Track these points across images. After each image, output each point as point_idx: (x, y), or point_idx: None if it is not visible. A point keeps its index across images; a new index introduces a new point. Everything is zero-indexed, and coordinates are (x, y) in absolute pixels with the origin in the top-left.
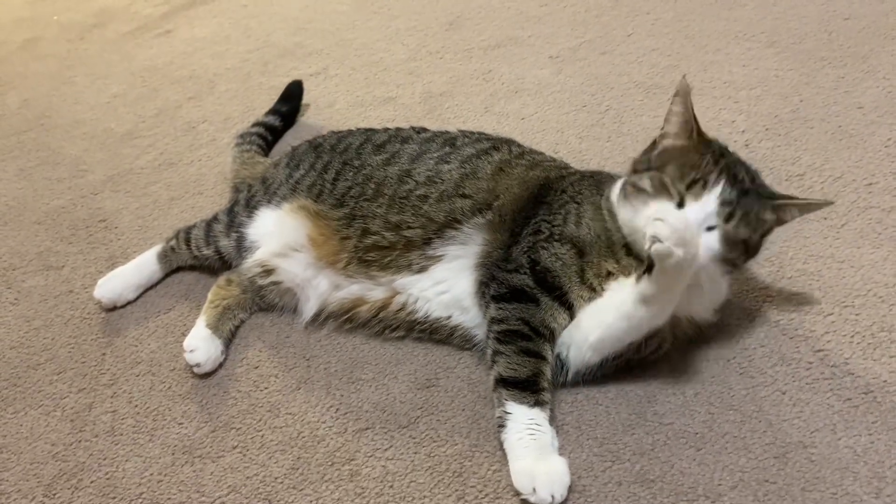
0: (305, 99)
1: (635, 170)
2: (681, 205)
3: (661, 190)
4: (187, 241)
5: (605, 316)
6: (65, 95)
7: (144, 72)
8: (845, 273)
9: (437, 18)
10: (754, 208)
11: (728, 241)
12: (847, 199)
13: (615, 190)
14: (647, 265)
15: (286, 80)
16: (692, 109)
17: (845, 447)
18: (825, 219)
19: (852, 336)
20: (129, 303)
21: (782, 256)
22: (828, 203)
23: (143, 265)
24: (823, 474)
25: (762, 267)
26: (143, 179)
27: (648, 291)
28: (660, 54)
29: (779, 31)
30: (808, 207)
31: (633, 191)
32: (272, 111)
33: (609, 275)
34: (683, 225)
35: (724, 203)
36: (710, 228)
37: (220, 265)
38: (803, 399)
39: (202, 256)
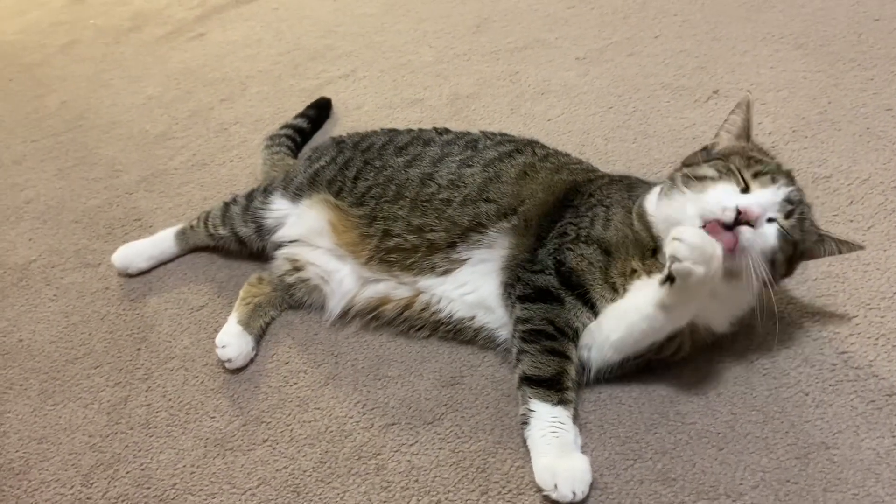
0: (335, 101)
1: (689, 164)
2: (745, 190)
3: (727, 174)
4: (205, 221)
5: (627, 316)
6: (102, 97)
7: (178, 74)
8: (871, 275)
9: (465, 21)
10: (810, 218)
11: (783, 238)
12: (874, 201)
13: (651, 196)
14: (667, 274)
15: (316, 83)
16: (751, 119)
17: (868, 449)
18: (851, 221)
19: (877, 339)
20: (141, 272)
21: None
22: (860, 247)
23: (160, 240)
24: (845, 475)
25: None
26: (176, 180)
27: (668, 301)
28: (687, 56)
29: (807, 33)
30: (844, 246)
31: (688, 181)
32: (301, 114)
33: (633, 273)
34: (702, 242)
35: (787, 200)
36: (769, 220)
37: (237, 248)
38: (826, 401)
39: (218, 236)
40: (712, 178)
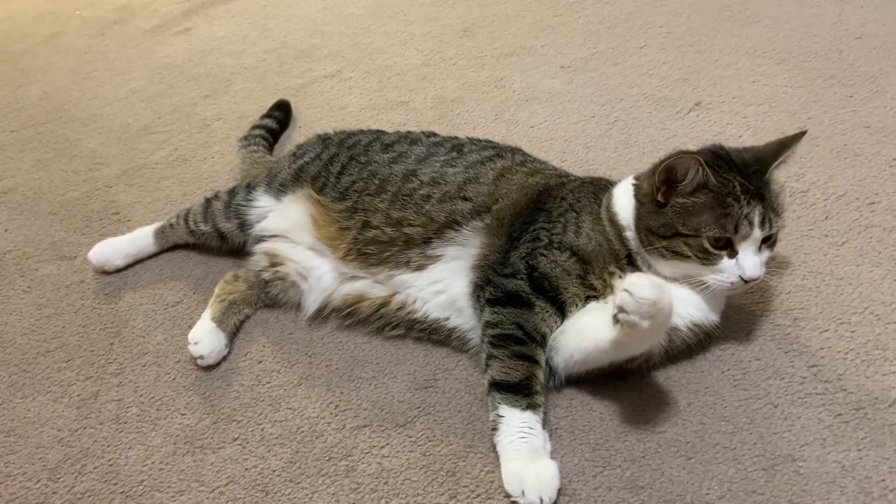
0: (319, 101)
1: (664, 236)
2: (732, 252)
3: (709, 258)
4: (185, 218)
5: (586, 340)
6: (84, 89)
7: (163, 69)
8: (843, 290)
9: (452, 25)
10: (776, 203)
11: (770, 250)
12: (849, 217)
13: (615, 196)
14: (615, 318)
15: (301, 82)
16: (710, 174)
17: (834, 462)
18: (826, 236)
19: (846, 353)
20: (117, 269)
21: (782, 271)
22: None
23: (139, 238)
24: (811, 487)
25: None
26: (156, 174)
27: (621, 339)
28: (670, 67)
29: (790, 49)
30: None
31: (673, 256)
32: (267, 115)
33: (612, 275)
34: (653, 295)
35: (764, 222)
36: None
37: (218, 244)
38: (795, 413)
39: (199, 232)
40: (696, 259)
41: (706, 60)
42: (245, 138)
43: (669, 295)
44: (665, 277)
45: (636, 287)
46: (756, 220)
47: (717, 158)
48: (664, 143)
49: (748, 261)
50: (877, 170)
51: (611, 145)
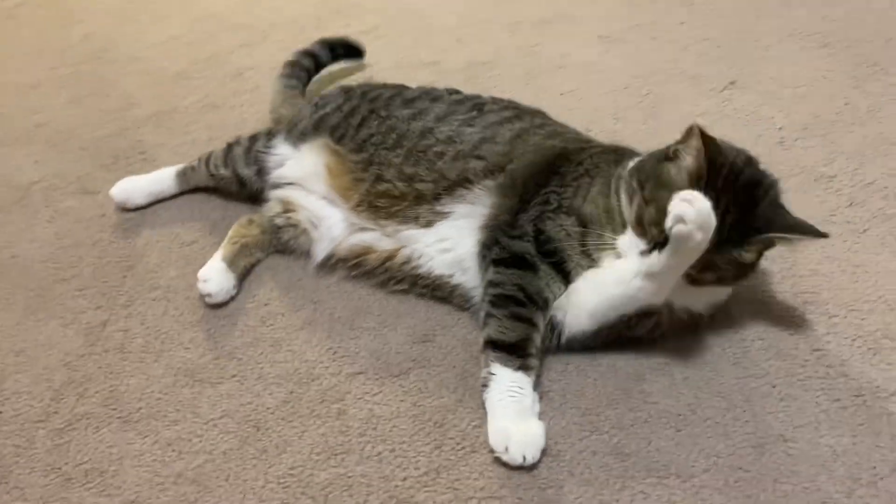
0: None
1: (640, 180)
2: (652, 249)
3: (638, 227)
4: (207, 162)
5: (605, 286)
6: (125, 33)
7: (204, 16)
8: (859, 278)
9: None
10: (729, 254)
11: (695, 282)
12: (874, 205)
13: (632, 163)
14: (654, 243)
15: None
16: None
17: (826, 446)
18: (848, 223)
19: (854, 339)
20: (137, 207)
21: (797, 254)
22: (824, 235)
23: (161, 178)
24: (799, 469)
25: (774, 263)
26: (186, 118)
27: (655, 268)
28: (711, 44)
29: (835, 33)
30: (799, 238)
31: (627, 196)
32: (323, 42)
33: (608, 245)
34: (706, 210)
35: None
36: None
37: (237, 189)
38: (792, 395)
39: (219, 176)
40: (629, 219)
41: (747, 40)
42: (289, 64)
43: (713, 216)
44: None
45: (695, 196)
46: None
47: (737, 168)
48: (693, 119)
49: (650, 259)
50: None
51: (639, 118)
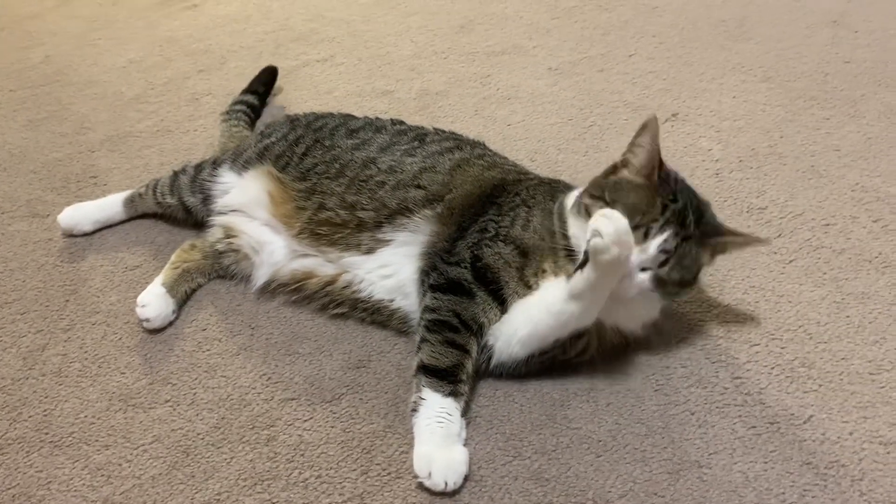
0: (309, 84)
1: (591, 194)
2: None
3: None
4: (154, 189)
5: (535, 312)
6: (85, 56)
7: (164, 41)
8: (782, 307)
9: (450, 20)
10: (692, 253)
11: (659, 282)
12: (801, 236)
13: (570, 198)
14: (581, 262)
15: (294, 64)
16: (658, 150)
17: (738, 472)
18: (775, 253)
19: (772, 368)
20: (84, 234)
21: (724, 284)
22: (765, 241)
23: (108, 205)
24: (711, 495)
25: (700, 292)
26: (139, 143)
27: (578, 287)
28: (655, 77)
29: (777, 68)
30: (746, 243)
31: (589, 209)
32: (249, 90)
33: (544, 273)
34: (624, 228)
35: (662, 251)
36: (643, 269)
37: (183, 216)
38: (710, 421)
39: (165, 204)
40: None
41: (692, 73)
42: (227, 112)
43: (630, 235)
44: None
45: (613, 213)
46: (653, 241)
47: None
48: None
49: (621, 217)
50: (838, 192)
51: (582, 149)
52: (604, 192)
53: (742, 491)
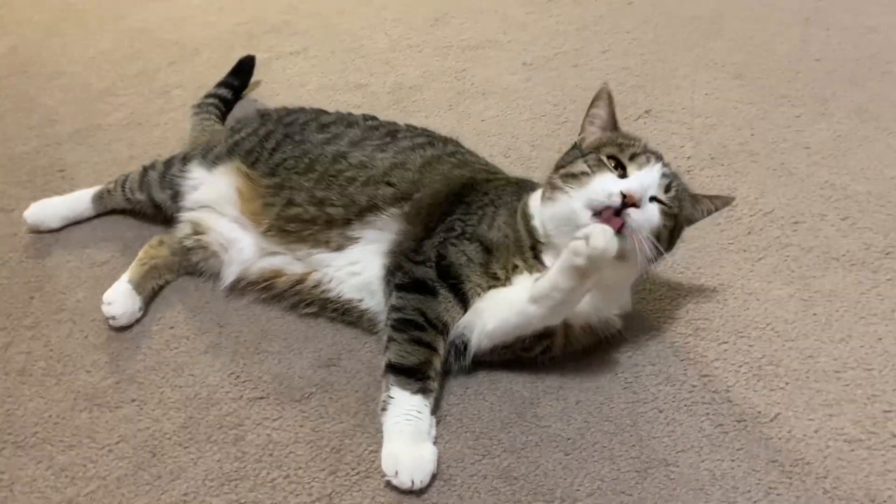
0: (281, 77)
1: (563, 164)
2: (624, 175)
3: (601, 166)
4: (123, 185)
5: (503, 308)
6: (53, 46)
7: (134, 32)
8: (750, 305)
9: (425, 14)
10: (684, 188)
11: (665, 213)
12: (771, 234)
13: (534, 196)
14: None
15: (266, 56)
16: (614, 112)
17: (706, 469)
18: (744, 251)
19: (740, 366)
20: (51, 230)
21: (693, 281)
22: (731, 199)
23: (76, 201)
24: (679, 493)
25: (670, 289)
26: (108, 136)
27: (540, 291)
28: (629, 73)
29: (748, 65)
30: (718, 201)
31: (565, 180)
32: (223, 83)
33: (516, 268)
34: (612, 249)
35: (664, 175)
36: (652, 199)
37: (153, 212)
38: (678, 419)
39: (134, 200)
40: (588, 174)
41: (665, 69)
42: (198, 106)
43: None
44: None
45: (608, 231)
46: (654, 165)
47: None
48: None
49: (633, 180)
50: (807, 190)
51: (556, 145)
52: (581, 153)
53: (709, 489)
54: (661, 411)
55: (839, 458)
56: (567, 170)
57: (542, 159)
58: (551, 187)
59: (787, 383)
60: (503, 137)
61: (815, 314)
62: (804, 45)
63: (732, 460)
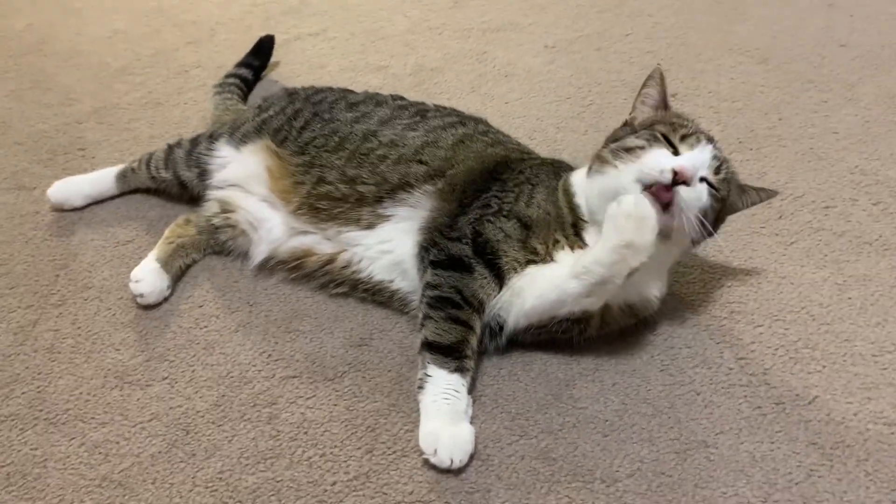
0: (301, 58)
1: (614, 139)
2: (676, 153)
3: (656, 141)
4: (147, 163)
5: (540, 286)
6: (69, 25)
7: (151, 11)
8: (784, 289)
9: None
10: (733, 173)
11: (714, 196)
12: (802, 218)
13: (576, 174)
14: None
15: (285, 38)
16: (666, 93)
17: (745, 451)
18: (776, 235)
19: (776, 349)
20: (74, 209)
21: (726, 265)
22: (775, 193)
23: (100, 179)
24: (718, 474)
25: (703, 272)
26: (127, 115)
27: (584, 263)
28: (653, 57)
29: (773, 49)
30: (763, 193)
31: (618, 154)
32: (243, 63)
33: (556, 243)
34: (650, 214)
35: (715, 157)
36: (701, 180)
37: (178, 191)
38: (716, 402)
39: (160, 179)
40: (642, 147)
41: (689, 53)
42: (220, 85)
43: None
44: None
45: (644, 201)
46: (706, 146)
47: None
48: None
49: (685, 158)
50: (837, 175)
51: (581, 128)
52: (634, 129)
53: (749, 471)
54: (698, 393)
55: (879, 440)
56: (620, 143)
57: (568, 142)
58: (600, 161)
59: (823, 366)
60: (528, 120)
61: (849, 298)
62: (828, 31)
63: (772, 442)
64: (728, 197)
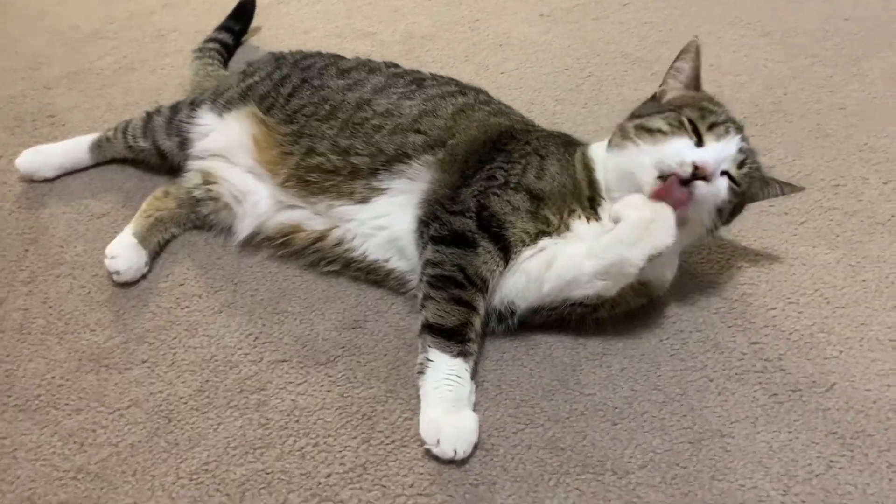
0: (284, 22)
1: (639, 115)
2: (700, 143)
3: (681, 128)
4: (124, 132)
5: (560, 264)
6: None
7: None
8: (796, 270)
9: None
10: (758, 166)
11: (733, 190)
12: (812, 197)
13: (595, 146)
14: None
15: (269, 1)
16: (700, 68)
17: (762, 441)
18: (786, 214)
19: (791, 333)
20: (45, 180)
21: (736, 245)
22: (801, 188)
23: (73, 149)
24: (735, 465)
25: (712, 252)
26: (101, 80)
27: (598, 244)
28: (652, 28)
29: (776, 23)
30: (787, 187)
31: (640, 132)
32: (224, 27)
33: (573, 212)
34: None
35: (741, 150)
36: (723, 173)
37: (157, 161)
38: (729, 389)
39: (137, 148)
40: (665, 132)
41: (689, 25)
42: (199, 50)
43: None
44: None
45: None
46: (733, 138)
47: None
48: (635, 103)
49: (707, 151)
50: (846, 153)
51: (580, 100)
52: (660, 107)
53: (767, 462)
54: (710, 380)
55: None
56: (643, 122)
57: (568, 115)
58: (622, 134)
59: (840, 352)
60: (525, 91)
61: (864, 280)
62: (832, 4)
63: (789, 432)
64: (748, 190)
